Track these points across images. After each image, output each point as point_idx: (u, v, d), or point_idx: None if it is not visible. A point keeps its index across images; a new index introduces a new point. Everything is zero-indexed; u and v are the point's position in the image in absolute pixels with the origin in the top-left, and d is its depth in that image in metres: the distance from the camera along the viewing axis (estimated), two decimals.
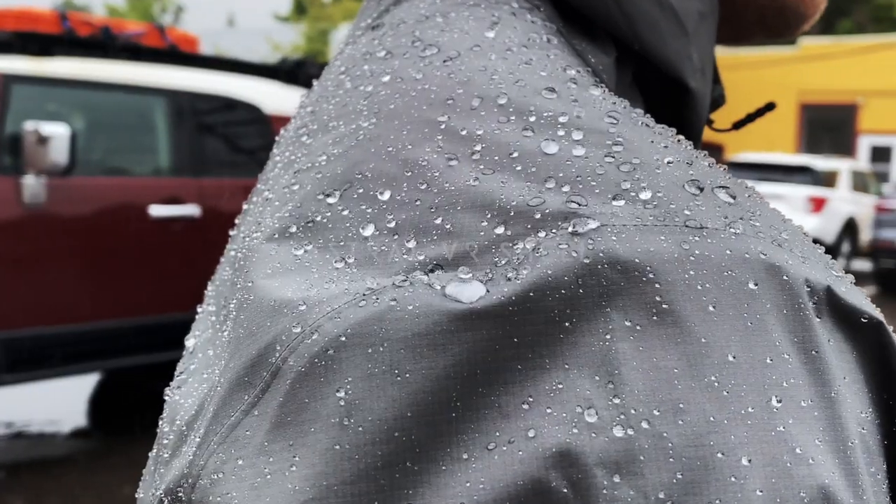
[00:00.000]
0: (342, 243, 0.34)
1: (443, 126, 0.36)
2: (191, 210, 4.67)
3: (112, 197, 4.53)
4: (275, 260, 0.35)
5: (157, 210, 4.56)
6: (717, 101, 0.54)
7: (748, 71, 17.85)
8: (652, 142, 0.34)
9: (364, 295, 0.30)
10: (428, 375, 0.28)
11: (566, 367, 0.28)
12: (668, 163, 0.33)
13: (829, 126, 20.07)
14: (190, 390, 0.38)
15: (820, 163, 12.82)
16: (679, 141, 0.36)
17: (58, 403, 5.21)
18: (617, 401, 0.27)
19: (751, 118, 0.60)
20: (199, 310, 0.46)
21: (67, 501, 3.84)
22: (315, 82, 0.47)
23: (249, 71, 5.40)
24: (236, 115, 4.92)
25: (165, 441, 0.37)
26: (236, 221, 0.46)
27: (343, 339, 0.29)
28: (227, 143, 4.98)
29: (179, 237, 4.67)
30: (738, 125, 0.60)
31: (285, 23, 31.55)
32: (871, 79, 18.72)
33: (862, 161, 18.30)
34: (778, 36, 0.56)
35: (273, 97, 4.95)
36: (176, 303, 4.41)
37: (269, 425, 0.30)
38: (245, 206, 0.46)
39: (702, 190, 0.32)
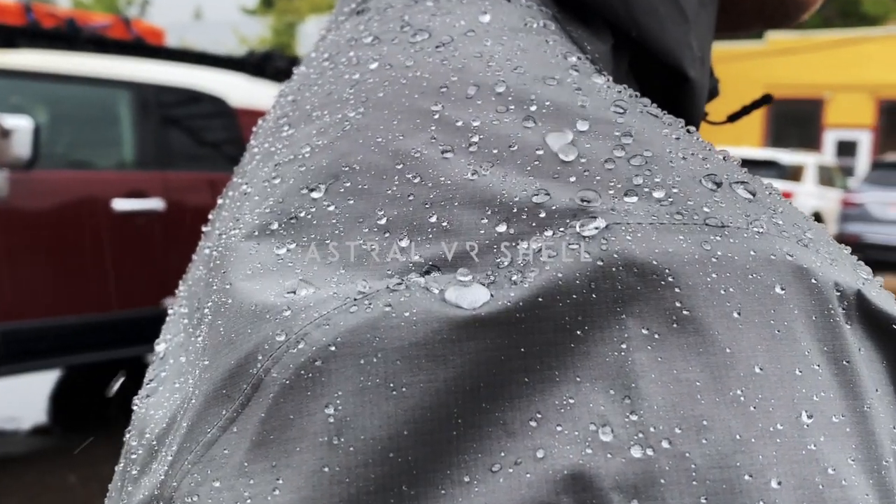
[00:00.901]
0: (328, 242, 0.32)
1: (436, 116, 0.34)
2: (155, 204, 4.62)
3: (75, 190, 4.46)
4: (255, 260, 0.33)
5: (120, 204, 4.50)
6: (711, 93, 0.52)
7: (716, 65, 17.92)
8: (663, 133, 0.32)
9: (355, 300, 0.28)
10: (426, 389, 0.26)
11: (578, 379, 0.26)
12: (683, 156, 0.31)
13: (795, 120, 20.31)
14: (161, 400, 0.35)
15: (786, 157, 13.00)
16: (689, 132, 0.34)
17: (18, 400, 5.13)
18: (634, 417, 0.25)
19: (746, 110, 0.58)
20: (169, 311, 0.43)
21: (27, 500, 3.77)
22: (295, 70, 0.45)
23: (216, 64, 5.36)
24: (202, 108, 4.88)
25: (134, 456, 0.35)
26: (210, 217, 0.44)
27: (332, 348, 0.27)
28: (193, 137, 4.93)
29: (143, 231, 4.61)
30: (733, 118, 0.59)
31: (252, 16, 31.38)
32: (838, 74, 18.96)
33: (828, 155, 18.58)
34: (777, 26, 0.54)
35: (239, 90, 4.90)
36: (139, 298, 4.35)
37: (250, 444, 0.27)
38: (220, 201, 0.44)
39: (719, 185, 0.30)
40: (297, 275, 0.31)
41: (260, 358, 0.28)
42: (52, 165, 4.28)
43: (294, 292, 0.30)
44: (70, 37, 4.66)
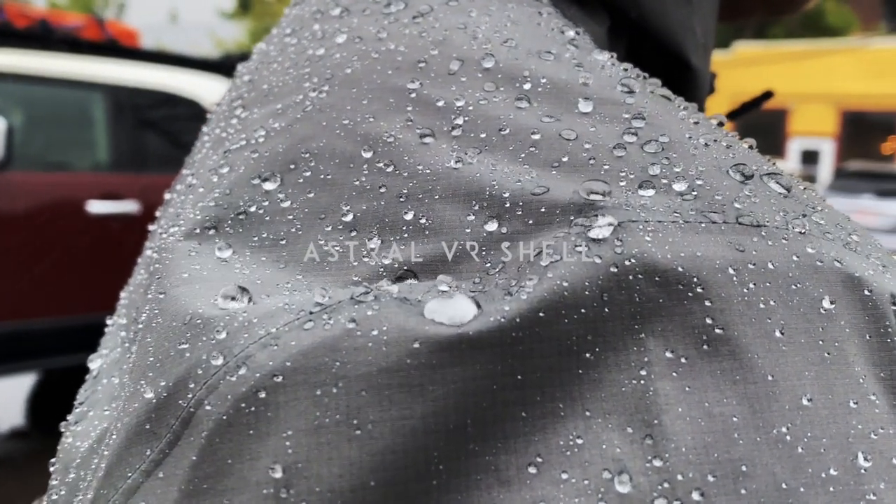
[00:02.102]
0: (282, 242, 0.27)
1: (413, 95, 0.30)
2: (130, 206, 4.60)
3: (49, 193, 4.44)
4: (193, 263, 0.28)
5: (95, 206, 4.47)
6: (709, 88, 0.48)
7: None
8: (680, 117, 0.28)
9: (311, 313, 0.23)
10: (399, 428, 0.21)
11: (588, 414, 0.22)
12: (705, 143, 0.27)
13: (760, 129, 20.55)
14: (87, 429, 0.30)
15: None
16: (707, 118, 0.30)
17: None
18: (658, 462, 0.21)
19: (747, 107, 0.54)
20: (108, 322, 0.37)
21: (5, 503, 3.74)
22: (255, 48, 0.40)
23: (191, 66, 5.34)
24: (177, 110, 4.86)
25: (55, 497, 0.30)
26: (157, 214, 0.39)
27: (280, 376, 0.22)
28: (167, 139, 4.91)
29: (118, 234, 4.60)
30: (733, 115, 0.55)
31: (229, 19, 31.08)
32: (802, 84, 19.19)
33: (792, 163, 18.82)
34: (779, 13, 0.51)
35: (215, 93, 4.89)
36: (115, 301, 4.26)
37: (178, 494, 0.22)
38: (167, 196, 0.39)
39: (749, 178, 0.26)
40: (241, 281, 0.26)
41: (192, 386, 0.23)
42: (26, 167, 4.24)
43: (236, 302, 0.25)
44: (43, 37, 4.62)
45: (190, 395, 0.23)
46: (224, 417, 0.22)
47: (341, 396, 0.21)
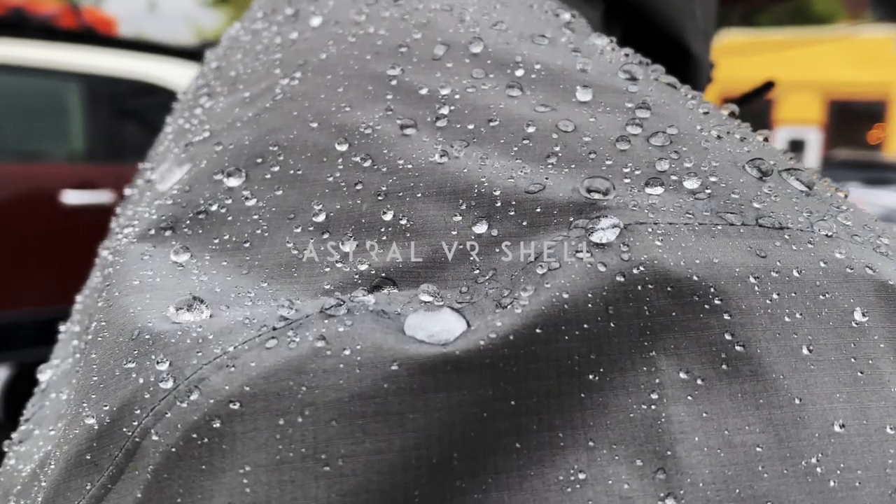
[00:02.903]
0: (246, 245, 0.25)
1: (393, 82, 0.27)
2: (106, 196, 4.55)
3: (23, 183, 4.38)
4: (145, 268, 0.25)
5: (70, 196, 4.41)
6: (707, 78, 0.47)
7: None
8: (688, 107, 0.26)
9: (275, 329, 0.21)
10: (374, 464, 0.19)
11: (591, 444, 0.19)
12: (717, 135, 0.24)
13: (747, 118, 20.56)
14: (31, 451, 0.27)
15: None
16: (717, 108, 0.27)
17: None
18: (672, 502, 0.19)
19: (749, 97, 0.52)
20: (61, 329, 0.34)
21: None
22: (224, 34, 0.38)
23: (169, 54, 5.29)
24: (154, 99, 4.81)
25: None
26: (117, 210, 0.36)
27: (237, 403, 0.19)
28: (144, 128, 4.87)
29: (93, 224, 4.54)
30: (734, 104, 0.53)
31: (209, 7, 31.03)
32: (789, 73, 19.24)
33: None
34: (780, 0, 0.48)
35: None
36: None
37: None
38: (127, 192, 0.36)
39: (767, 174, 0.24)
40: (198, 290, 0.23)
41: (137, 412, 0.21)
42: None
43: (191, 314, 0.22)
44: (17, 25, 4.58)
45: (135, 423, 0.21)
46: (173, 449, 0.20)
47: (308, 427, 0.19)
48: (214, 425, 0.19)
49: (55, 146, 4.64)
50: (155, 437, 0.20)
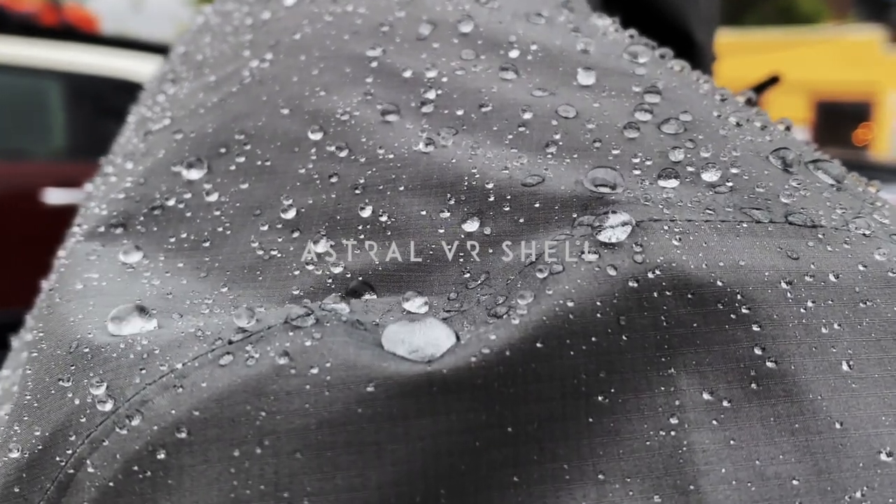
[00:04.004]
0: (206, 244, 0.22)
1: (374, 64, 0.25)
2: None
3: (3, 182, 4.36)
4: (91, 270, 0.22)
5: (52, 195, 4.39)
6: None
7: None
8: (702, 92, 0.23)
9: (231, 342, 0.18)
10: (347, 503, 0.16)
11: (600, 477, 0.17)
12: (737, 123, 0.22)
13: None
14: None
15: None
16: (733, 95, 0.25)
17: None
18: None
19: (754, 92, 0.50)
20: (13, 340, 0.31)
21: None
22: (196, 19, 0.35)
23: (151, 51, 5.29)
24: (136, 96, 4.80)
25: None
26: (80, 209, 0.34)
27: (185, 431, 0.17)
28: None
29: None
30: None
31: (194, 6, 31.08)
32: (774, 73, 19.45)
33: None
34: None
35: None
36: None
37: None
38: (88, 187, 0.33)
39: (793, 166, 0.21)
40: (148, 295, 0.20)
41: (72, 438, 0.18)
42: None
43: (137, 324, 0.19)
44: None
45: (69, 451, 0.18)
46: (111, 484, 0.17)
47: (268, 459, 0.16)
48: (158, 456, 0.17)
49: (37, 144, 4.61)
50: (91, 469, 0.17)
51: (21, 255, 4.25)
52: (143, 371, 0.18)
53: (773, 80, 0.50)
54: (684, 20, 0.36)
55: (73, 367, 0.19)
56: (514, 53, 0.24)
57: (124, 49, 5.19)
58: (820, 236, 0.20)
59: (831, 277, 0.19)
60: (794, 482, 0.17)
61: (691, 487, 0.17)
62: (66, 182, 4.41)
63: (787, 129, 0.24)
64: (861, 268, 0.19)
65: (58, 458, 0.18)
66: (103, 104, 4.63)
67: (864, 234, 0.20)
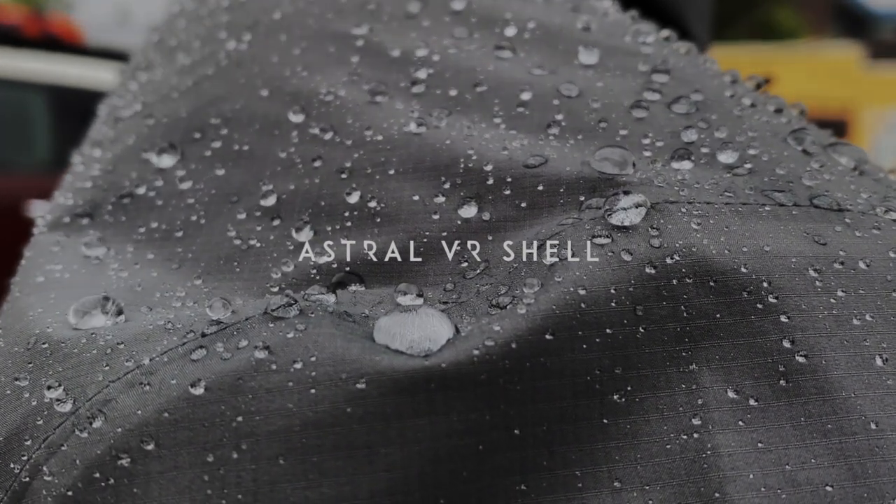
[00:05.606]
0: (178, 234, 0.20)
1: (360, 42, 0.23)
2: None
3: None
4: (54, 261, 0.20)
5: (36, 208, 4.36)
6: None
7: None
8: (711, 72, 0.22)
9: (204, 335, 0.16)
10: None
11: (617, 485, 0.16)
12: (751, 102, 0.21)
13: None
14: None
15: None
16: (742, 79, 0.24)
17: None
18: None
19: None
20: None
21: None
22: (170, 6, 0.34)
23: None
24: None
25: None
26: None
27: (151, 435, 0.15)
28: None
29: None
30: None
31: None
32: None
33: None
34: None
35: None
36: None
37: None
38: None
39: (812, 149, 0.20)
40: (114, 288, 0.19)
41: (27, 442, 0.16)
42: None
43: (100, 318, 0.18)
44: None
45: (24, 457, 0.16)
46: (69, 493, 0.15)
47: (246, 465, 0.14)
48: (122, 462, 0.15)
49: (20, 157, 4.57)
50: (47, 477, 0.16)
51: (3, 268, 4.22)
52: (107, 367, 0.16)
53: (765, 81, 0.50)
54: (681, 13, 0.34)
55: (30, 365, 0.17)
56: (510, 31, 0.23)
57: (109, 61, 5.17)
58: (847, 221, 0.18)
59: (861, 265, 0.18)
60: (828, 488, 0.15)
61: (716, 495, 0.15)
62: (50, 195, 4.39)
63: (802, 112, 0.23)
64: (892, 255, 0.18)
65: (12, 465, 0.17)
66: (88, 116, 4.62)
67: (893, 220, 0.19)
